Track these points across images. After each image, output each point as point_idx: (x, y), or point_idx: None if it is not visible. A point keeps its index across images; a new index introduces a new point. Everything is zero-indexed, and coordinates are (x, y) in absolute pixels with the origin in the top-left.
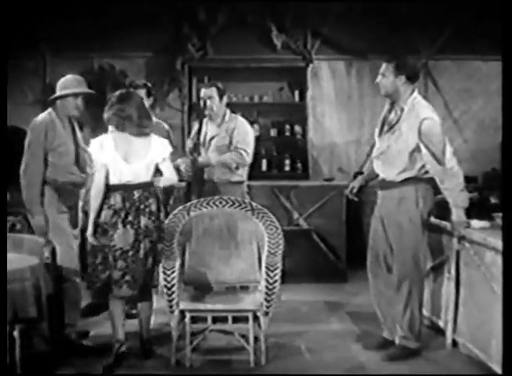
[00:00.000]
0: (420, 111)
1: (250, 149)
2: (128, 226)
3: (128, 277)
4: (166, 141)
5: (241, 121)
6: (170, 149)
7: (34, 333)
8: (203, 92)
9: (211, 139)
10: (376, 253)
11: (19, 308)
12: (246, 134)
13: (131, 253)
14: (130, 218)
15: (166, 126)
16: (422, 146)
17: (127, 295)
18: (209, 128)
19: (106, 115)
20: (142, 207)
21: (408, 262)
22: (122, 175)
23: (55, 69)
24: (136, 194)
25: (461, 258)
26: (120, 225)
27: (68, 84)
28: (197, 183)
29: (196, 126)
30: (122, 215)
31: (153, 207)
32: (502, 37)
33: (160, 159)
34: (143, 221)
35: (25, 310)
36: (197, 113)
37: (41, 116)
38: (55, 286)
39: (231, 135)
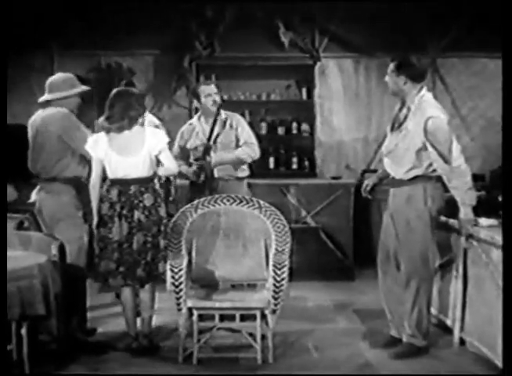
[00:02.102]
0: (425, 110)
1: (257, 142)
2: (123, 220)
3: (121, 268)
4: (162, 132)
5: (240, 117)
6: (166, 139)
7: (43, 330)
8: (208, 88)
9: (216, 137)
10: (387, 250)
11: (28, 305)
12: (249, 129)
13: (125, 246)
14: (124, 211)
15: (156, 121)
16: (428, 145)
17: (120, 285)
18: (207, 128)
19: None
20: (136, 201)
21: (416, 260)
22: (118, 169)
23: (63, 67)
24: (133, 189)
25: (469, 256)
26: (116, 219)
27: (72, 83)
28: (207, 181)
29: (198, 127)
30: (118, 208)
31: (148, 202)
32: (503, 37)
33: (156, 151)
34: (136, 215)
35: (33, 307)
36: (205, 112)
37: (64, 111)
38: (63, 283)
39: (236, 132)
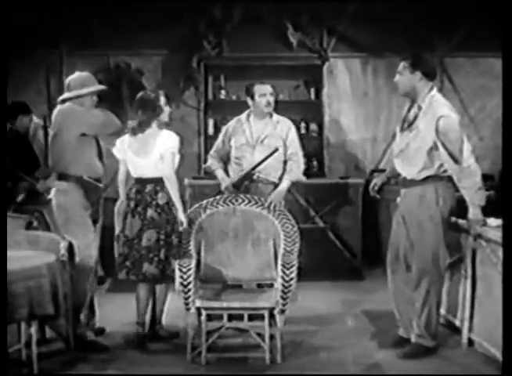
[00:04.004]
0: (437, 109)
1: (302, 153)
2: (136, 217)
3: (127, 263)
4: (172, 136)
5: (292, 125)
6: (170, 144)
7: (51, 329)
8: (264, 88)
9: (263, 139)
10: (397, 250)
11: (36, 305)
12: (298, 139)
13: (135, 241)
14: (139, 209)
15: None
16: (439, 144)
17: (123, 279)
18: (255, 128)
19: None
20: (149, 199)
21: (427, 261)
22: (136, 169)
23: (72, 67)
24: (148, 188)
25: (477, 256)
26: (129, 215)
27: (85, 82)
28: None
29: (246, 125)
30: (132, 205)
31: (161, 201)
32: (503, 37)
33: (158, 154)
34: (149, 213)
35: (42, 307)
36: (256, 112)
37: (71, 105)
38: (72, 283)
39: (285, 138)
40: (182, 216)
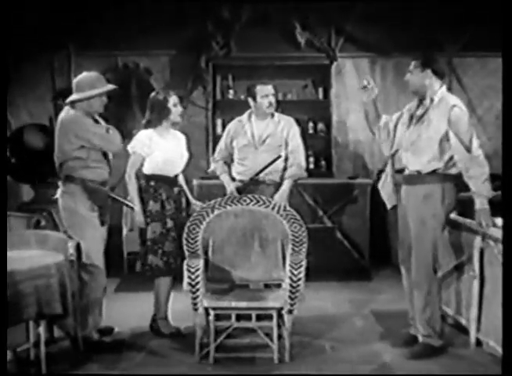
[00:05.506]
0: (449, 100)
1: (303, 151)
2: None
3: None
4: (136, 134)
5: (294, 123)
6: (131, 147)
7: (62, 330)
8: (266, 89)
9: (265, 139)
10: (408, 246)
11: (45, 304)
12: (299, 137)
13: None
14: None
15: None
16: (451, 133)
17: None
18: (257, 128)
19: None
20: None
21: (428, 259)
22: None
23: (80, 67)
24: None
25: (485, 256)
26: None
27: (94, 83)
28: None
29: (248, 125)
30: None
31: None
32: (503, 37)
33: None
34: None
35: (50, 306)
36: (258, 112)
37: (74, 112)
38: (80, 283)
39: (286, 137)
40: (138, 217)
